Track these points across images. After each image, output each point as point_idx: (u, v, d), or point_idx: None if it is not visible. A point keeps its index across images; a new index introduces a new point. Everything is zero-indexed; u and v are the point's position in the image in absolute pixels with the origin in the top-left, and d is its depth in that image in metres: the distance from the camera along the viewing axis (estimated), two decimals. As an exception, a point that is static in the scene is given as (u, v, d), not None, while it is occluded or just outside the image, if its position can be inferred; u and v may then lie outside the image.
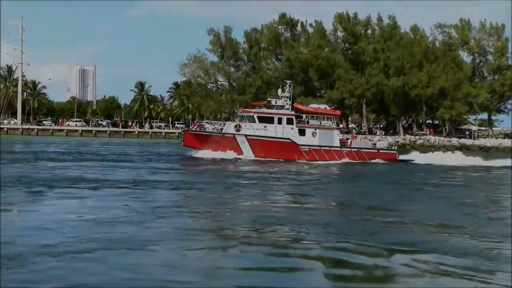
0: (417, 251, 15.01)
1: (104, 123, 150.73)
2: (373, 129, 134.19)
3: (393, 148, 64.42)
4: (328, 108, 65.26)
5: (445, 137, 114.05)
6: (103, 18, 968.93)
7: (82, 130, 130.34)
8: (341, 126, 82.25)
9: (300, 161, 56.44)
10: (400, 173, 46.12)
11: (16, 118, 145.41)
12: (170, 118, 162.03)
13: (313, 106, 65.87)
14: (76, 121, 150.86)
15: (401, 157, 61.65)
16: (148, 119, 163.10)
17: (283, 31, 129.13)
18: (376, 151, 61.38)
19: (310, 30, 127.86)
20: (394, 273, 13.01)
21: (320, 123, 60.44)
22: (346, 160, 58.24)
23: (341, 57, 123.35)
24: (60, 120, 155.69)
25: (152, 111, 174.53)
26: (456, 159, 61.19)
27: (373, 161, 58.71)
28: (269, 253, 14.59)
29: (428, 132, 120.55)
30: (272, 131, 58.19)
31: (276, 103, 60.79)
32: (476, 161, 60.38)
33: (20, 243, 14.48)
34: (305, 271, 13.07)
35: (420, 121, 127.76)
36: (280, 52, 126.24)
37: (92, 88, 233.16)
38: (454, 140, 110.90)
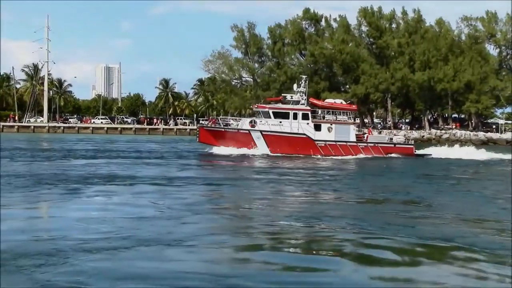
0: (455, 246, 14.95)
1: (129, 120, 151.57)
2: (398, 123, 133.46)
3: (409, 142, 64.00)
4: (344, 103, 64.85)
5: (471, 131, 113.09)
6: (128, 16, 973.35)
7: (107, 128, 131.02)
8: (358, 120, 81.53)
9: (315, 156, 56.15)
10: (424, 168, 45.93)
11: (42, 116, 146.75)
12: (195, 115, 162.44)
13: (329, 101, 65.44)
14: (101, 118, 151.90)
15: (418, 151, 61.26)
16: (173, 116, 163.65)
17: (307, 27, 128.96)
18: (392, 145, 60.92)
19: (334, 25, 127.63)
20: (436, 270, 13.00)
21: (336, 118, 60.10)
22: (363, 155, 57.87)
23: (366, 51, 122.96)
24: (85, 118, 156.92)
25: (177, 108, 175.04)
26: (471, 152, 61.29)
27: (390, 155, 58.39)
28: (309, 249, 14.80)
29: (454, 126, 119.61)
30: (288, 126, 57.93)
31: (292, 98, 60.50)
32: (490, 154, 60.14)
33: (62, 239, 14.76)
34: (345, 266, 13.07)
35: (446, 115, 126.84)
36: (304, 48, 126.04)
37: (117, 85, 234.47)
38: (481, 134, 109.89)
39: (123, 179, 30.40)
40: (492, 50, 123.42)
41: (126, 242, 14.61)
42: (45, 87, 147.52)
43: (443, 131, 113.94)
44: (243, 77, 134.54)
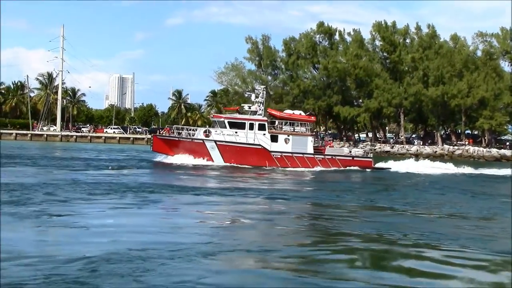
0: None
1: (141, 130, 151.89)
2: (410, 138, 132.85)
3: (368, 155, 63.19)
4: (303, 114, 64.17)
5: (484, 148, 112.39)
6: (141, 27, 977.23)
7: (119, 137, 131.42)
8: (329, 131, 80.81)
9: (271, 167, 55.68)
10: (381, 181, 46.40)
11: (55, 124, 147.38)
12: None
13: (288, 112, 64.60)
14: (114, 128, 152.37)
15: (377, 165, 61.08)
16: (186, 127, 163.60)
17: (321, 40, 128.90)
18: (350, 158, 60.44)
19: (348, 39, 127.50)
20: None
21: (294, 129, 59.53)
22: (320, 167, 57.34)
23: (379, 66, 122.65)
24: (98, 127, 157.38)
25: (190, 119, 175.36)
26: (429, 166, 61.73)
27: (348, 168, 57.91)
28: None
29: (467, 143, 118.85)
30: (243, 137, 57.31)
31: (249, 108, 60.08)
32: (450, 168, 61.10)
33: (152, 247, 15.53)
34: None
35: (459, 131, 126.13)
36: (317, 61, 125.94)
37: (130, 95, 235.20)
38: (494, 151, 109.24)
39: (178, 188, 32.45)
40: (506, 66, 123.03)
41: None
42: (59, 96, 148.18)
43: (456, 147, 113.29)
44: (256, 90, 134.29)
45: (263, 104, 60.88)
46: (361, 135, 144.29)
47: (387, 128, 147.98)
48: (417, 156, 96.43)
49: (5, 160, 51.33)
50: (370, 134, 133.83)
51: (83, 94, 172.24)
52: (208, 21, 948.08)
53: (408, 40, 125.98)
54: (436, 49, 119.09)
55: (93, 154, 71.88)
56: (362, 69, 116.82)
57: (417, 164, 63.45)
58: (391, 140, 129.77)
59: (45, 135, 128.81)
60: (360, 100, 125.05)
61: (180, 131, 60.89)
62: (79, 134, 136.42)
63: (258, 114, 59.30)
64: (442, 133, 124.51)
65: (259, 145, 57.25)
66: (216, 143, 57.03)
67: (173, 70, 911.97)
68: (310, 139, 59.34)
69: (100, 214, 22.21)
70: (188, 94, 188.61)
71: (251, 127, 57.40)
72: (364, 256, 16.11)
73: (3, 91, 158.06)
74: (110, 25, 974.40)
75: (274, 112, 64.30)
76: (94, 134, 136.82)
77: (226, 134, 57.25)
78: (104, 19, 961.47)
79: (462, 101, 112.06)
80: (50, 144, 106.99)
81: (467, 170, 60.27)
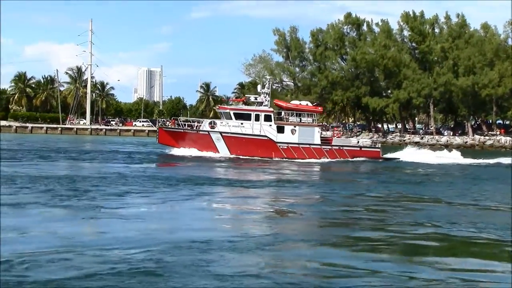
0: None
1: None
2: (440, 129, 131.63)
3: (376, 146, 62.38)
4: (310, 104, 63.40)
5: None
6: (168, 20, 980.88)
7: (148, 130, 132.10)
8: (340, 123, 79.92)
9: (277, 159, 55.17)
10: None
11: (85, 118, 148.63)
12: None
13: (294, 102, 63.86)
14: (142, 121, 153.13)
15: (386, 155, 60.47)
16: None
17: (348, 31, 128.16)
18: (358, 148, 59.69)
19: (376, 29, 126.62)
20: None
21: (300, 120, 58.87)
22: (327, 158, 56.72)
23: (408, 56, 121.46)
24: (127, 121, 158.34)
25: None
26: (441, 156, 61.11)
27: (356, 159, 57.22)
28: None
29: (498, 133, 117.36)
30: (249, 128, 56.60)
31: (256, 99, 59.50)
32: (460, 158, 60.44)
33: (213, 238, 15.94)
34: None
35: (490, 121, 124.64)
36: (345, 52, 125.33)
37: (159, 89, 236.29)
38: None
39: (230, 181, 33.15)
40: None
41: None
42: (88, 90, 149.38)
43: (487, 137, 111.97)
44: (284, 81, 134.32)
45: (269, 95, 60.17)
46: (390, 126, 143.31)
47: (416, 118, 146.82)
48: (447, 146, 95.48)
49: (53, 154, 52.63)
50: (399, 125, 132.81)
51: (112, 88, 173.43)
52: (235, 14, 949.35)
53: (437, 30, 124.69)
54: (466, 38, 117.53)
55: (130, 147, 72.49)
56: (391, 59, 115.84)
57: (425, 154, 62.58)
58: (421, 131, 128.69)
59: (75, 129, 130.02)
60: (389, 91, 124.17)
61: (185, 123, 60.28)
62: (109, 127, 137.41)
63: (264, 105, 58.65)
64: (472, 124, 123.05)
65: (265, 136, 56.63)
66: (221, 134, 56.47)
67: (200, 63, 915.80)
68: (317, 129, 58.71)
69: (159, 207, 22.81)
70: (216, 87, 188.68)
71: (257, 118, 56.71)
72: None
73: (33, 86, 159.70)
74: (138, 18, 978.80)
75: (280, 103, 63.76)
76: (123, 127, 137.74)
77: (231, 126, 56.64)
78: (131, 13, 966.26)
79: (493, 91, 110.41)
80: (82, 138, 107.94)
81: (472, 160, 59.54)
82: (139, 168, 40.23)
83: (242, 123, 56.59)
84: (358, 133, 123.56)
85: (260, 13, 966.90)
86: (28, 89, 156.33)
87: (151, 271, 12.28)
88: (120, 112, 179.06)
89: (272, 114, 57.61)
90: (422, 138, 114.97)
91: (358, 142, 63.32)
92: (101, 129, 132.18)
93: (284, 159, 55.35)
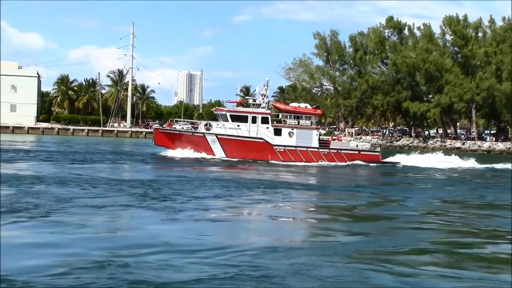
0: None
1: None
2: (483, 135, 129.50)
3: (376, 149, 61.14)
4: (309, 107, 62.27)
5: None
6: (209, 24, 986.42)
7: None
8: (345, 125, 78.61)
9: (274, 162, 54.31)
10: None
11: (126, 121, 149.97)
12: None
13: (293, 105, 62.79)
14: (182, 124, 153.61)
15: (387, 159, 59.72)
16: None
17: (389, 35, 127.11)
18: (357, 152, 58.48)
19: (418, 33, 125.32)
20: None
21: (299, 122, 57.96)
22: (325, 162, 55.74)
23: (450, 60, 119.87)
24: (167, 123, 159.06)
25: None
26: (441, 160, 60.19)
27: (354, 162, 56.24)
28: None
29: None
30: (245, 130, 55.92)
31: (254, 101, 58.84)
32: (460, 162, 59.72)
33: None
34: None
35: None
36: (386, 56, 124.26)
37: (199, 92, 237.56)
38: None
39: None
40: None
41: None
42: (129, 93, 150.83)
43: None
44: (324, 85, 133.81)
45: (266, 96, 59.49)
46: (430, 131, 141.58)
47: (458, 124, 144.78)
48: (489, 152, 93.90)
49: (114, 156, 53.93)
50: (440, 130, 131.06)
51: (153, 91, 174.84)
52: (276, 18, 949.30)
53: (480, 34, 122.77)
54: (510, 42, 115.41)
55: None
56: (432, 63, 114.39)
57: (425, 158, 61.51)
58: (462, 136, 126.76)
59: (116, 131, 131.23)
60: (430, 96, 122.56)
61: (182, 125, 60.05)
62: (149, 130, 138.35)
63: (262, 107, 58.03)
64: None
65: (261, 138, 55.98)
66: (217, 136, 55.97)
67: (240, 66, 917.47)
68: (315, 132, 57.78)
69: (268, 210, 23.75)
70: (256, 90, 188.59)
71: (254, 120, 56.04)
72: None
73: (75, 88, 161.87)
74: (179, 22, 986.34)
75: (278, 105, 62.98)
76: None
77: (227, 128, 56.11)
78: (173, 17, 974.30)
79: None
80: (123, 140, 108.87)
81: (472, 163, 58.98)
82: (202, 172, 40.63)
83: (238, 125, 56.03)
84: (398, 138, 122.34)
85: (301, 17, 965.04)
86: (70, 92, 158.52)
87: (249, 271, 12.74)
88: (160, 115, 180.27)
89: (269, 116, 57.09)
90: (463, 143, 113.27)
91: (357, 145, 62.08)
92: (141, 132, 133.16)
93: (280, 162, 54.50)
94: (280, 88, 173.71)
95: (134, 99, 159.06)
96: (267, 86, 60.00)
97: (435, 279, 12.89)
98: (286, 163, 54.17)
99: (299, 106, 61.48)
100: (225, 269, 12.73)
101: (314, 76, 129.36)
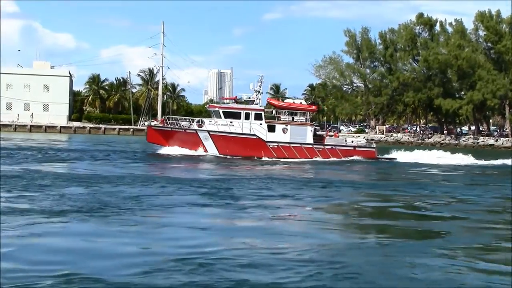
0: None
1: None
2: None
3: (371, 145, 60.14)
4: (304, 103, 61.29)
5: None
6: (240, 23, 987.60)
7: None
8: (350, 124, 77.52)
9: (267, 158, 53.56)
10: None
11: (156, 119, 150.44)
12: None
13: (288, 101, 61.66)
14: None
15: (384, 155, 58.78)
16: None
17: (420, 32, 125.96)
18: (352, 148, 57.45)
19: (449, 29, 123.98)
20: None
21: (293, 118, 57.04)
22: (320, 158, 54.98)
23: (483, 56, 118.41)
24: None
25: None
26: (440, 156, 59.54)
27: (349, 158, 55.31)
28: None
29: None
30: (238, 127, 55.14)
31: (249, 98, 57.76)
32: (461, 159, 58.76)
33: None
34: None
35: None
36: (417, 53, 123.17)
37: (229, 90, 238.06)
38: None
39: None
40: None
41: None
42: (159, 92, 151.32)
43: None
44: (354, 83, 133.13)
45: (261, 92, 58.50)
46: (463, 129, 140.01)
47: (490, 120, 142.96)
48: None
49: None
50: (472, 127, 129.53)
51: (183, 89, 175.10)
52: (306, 16, 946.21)
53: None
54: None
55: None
56: (465, 60, 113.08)
57: (423, 154, 60.63)
58: (495, 133, 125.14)
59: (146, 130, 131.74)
60: (462, 92, 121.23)
61: (174, 122, 58.94)
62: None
63: (256, 104, 57.16)
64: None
65: (254, 135, 55.25)
66: (209, 133, 55.27)
67: (271, 64, 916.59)
68: (310, 128, 56.83)
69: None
70: (286, 89, 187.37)
71: (247, 116, 55.39)
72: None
73: (106, 87, 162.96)
74: (209, 21, 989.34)
75: (273, 101, 62.07)
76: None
77: (220, 124, 55.42)
78: (203, 15, 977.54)
79: None
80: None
81: (471, 160, 58.23)
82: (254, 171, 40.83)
83: (231, 122, 55.36)
84: (429, 136, 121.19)
85: (331, 15, 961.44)
86: (101, 91, 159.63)
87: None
88: (190, 114, 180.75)
89: (262, 113, 56.42)
90: (496, 140, 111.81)
91: (352, 141, 61.11)
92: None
93: (273, 159, 53.83)
94: (311, 86, 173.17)
95: (165, 97, 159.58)
96: (261, 82, 58.97)
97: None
98: (279, 159, 53.51)
99: (293, 102, 61.01)
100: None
101: (344, 74, 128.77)
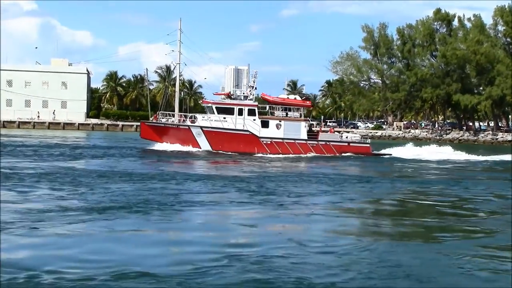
0: None
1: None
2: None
3: (366, 141, 59.35)
4: (298, 98, 60.88)
5: None
6: (257, 19, 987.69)
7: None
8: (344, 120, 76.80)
9: (260, 154, 53.08)
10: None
11: (173, 116, 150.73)
12: (322, 117, 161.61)
13: (282, 96, 61.16)
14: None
15: (378, 151, 58.16)
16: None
17: (438, 27, 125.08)
18: (346, 144, 56.93)
19: (468, 25, 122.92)
20: None
21: (287, 114, 56.62)
22: (313, 154, 54.58)
23: (502, 52, 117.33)
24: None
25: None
26: (433, 151, 58.74)
27: (344, 154, 54.93)
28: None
29: None
30: (231, 122, 54.79)
31: (242, 93, 57.40)
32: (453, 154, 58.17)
33: None
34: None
35: None
36: (435, 49, 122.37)
37: (245, 87, 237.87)
38: None
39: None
40: None
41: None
42: (177, 88, 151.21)
43: None
44: (372, 79, 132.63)
45: (254, 88, 58.09)
46: (481, 124, 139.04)
47: (510, 116, 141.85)
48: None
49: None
50: (491, 123, 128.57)
51: (200, 86, 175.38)
52: (324, 12, 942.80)
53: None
54: None
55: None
56: (484, 55, 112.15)
57: (418, 150, 59.95)
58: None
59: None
60: (481, 88, 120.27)
61: (167, 117, 59.00)
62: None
63: (249, 99, 56.73)
64: None
65: (247, 130, 54.86)
66: (202, 129, 54.99)
67: (288, 60, 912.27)
68: (304, 124, 56.38)
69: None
70: (303, 85, 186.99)
71: (240, 112, 55.00)
72: None
73: (124, 84, 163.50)
74: (227, 18, 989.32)
75: (267, 96, 61.21)
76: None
77: (213, 120, 55.11)
78: (221, 12, 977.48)
79: None
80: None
81: (467, 155, 57.31)
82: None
83: (224, 118, 55.03)
84: (448, 132, 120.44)
85: (349, 11, 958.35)
86: (119, 88, 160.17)
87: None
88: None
89: (256, 108, 55.93)
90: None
91: (346, 137, 60.23)
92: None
93: (266, 154, 53.39)
94: (328, 82, 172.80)
95: (182, 94, 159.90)
96: (255, 77, 58.76)
97: None
98: (273, 155, 53.06)
99: (287, 97, 60.60)
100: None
101: (362, 70, 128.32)
